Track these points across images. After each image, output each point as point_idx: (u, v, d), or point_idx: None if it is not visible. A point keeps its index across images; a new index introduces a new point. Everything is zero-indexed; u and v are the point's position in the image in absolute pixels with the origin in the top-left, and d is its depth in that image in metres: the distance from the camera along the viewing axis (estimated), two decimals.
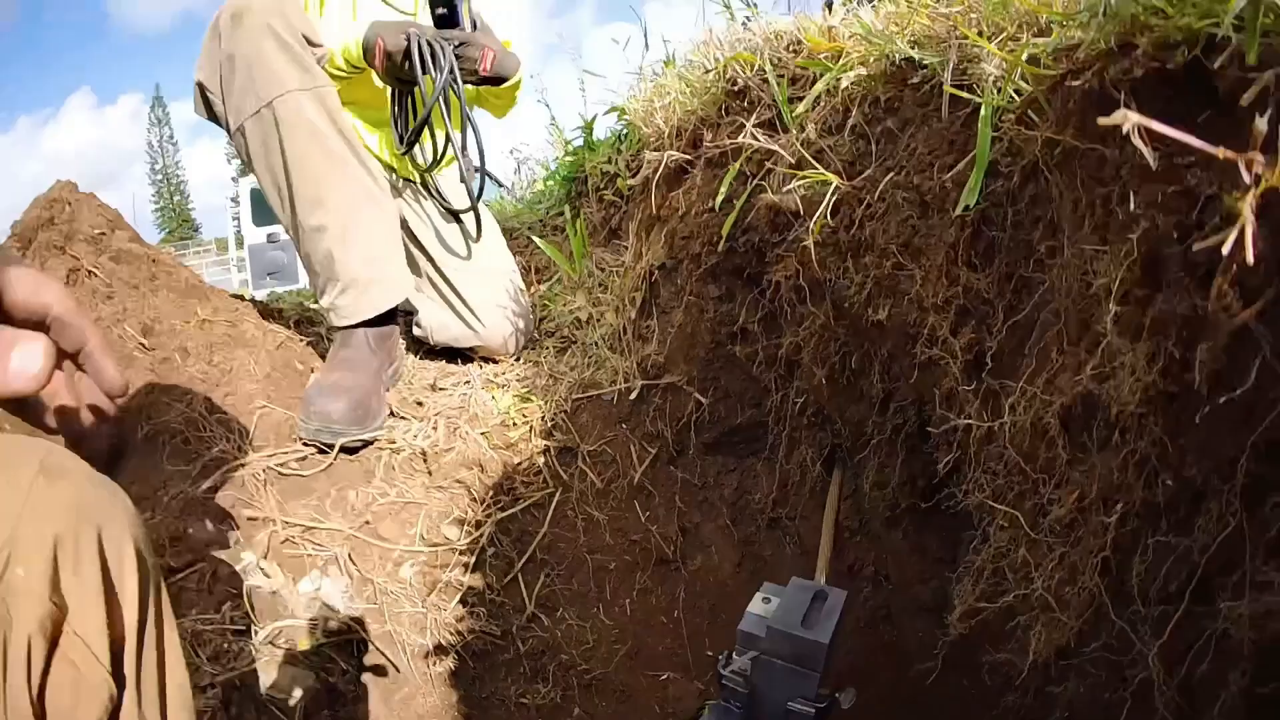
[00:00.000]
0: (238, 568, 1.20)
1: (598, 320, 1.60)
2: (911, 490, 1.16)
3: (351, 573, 1.24)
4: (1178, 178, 0.59)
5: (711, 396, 1.41)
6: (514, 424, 1.48)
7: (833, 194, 1.03)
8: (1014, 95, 0.80)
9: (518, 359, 1.69)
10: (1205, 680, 0.58)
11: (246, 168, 1.54)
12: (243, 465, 1.32)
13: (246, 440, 1.37)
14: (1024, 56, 0.77)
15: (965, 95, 0.87)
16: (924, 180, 0.96)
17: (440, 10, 1.47)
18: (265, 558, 1.23)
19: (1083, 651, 0.71)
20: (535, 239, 1.95)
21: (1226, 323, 0.53)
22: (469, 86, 1.54)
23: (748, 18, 1.57)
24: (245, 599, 1.17)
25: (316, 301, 1.66)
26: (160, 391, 1.38)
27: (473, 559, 1.30)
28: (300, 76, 1.42)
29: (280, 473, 1.33)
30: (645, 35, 1.90)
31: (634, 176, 1.62)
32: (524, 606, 1.31)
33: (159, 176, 58.92)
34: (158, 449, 1.32)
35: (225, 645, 1.12)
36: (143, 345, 1.44)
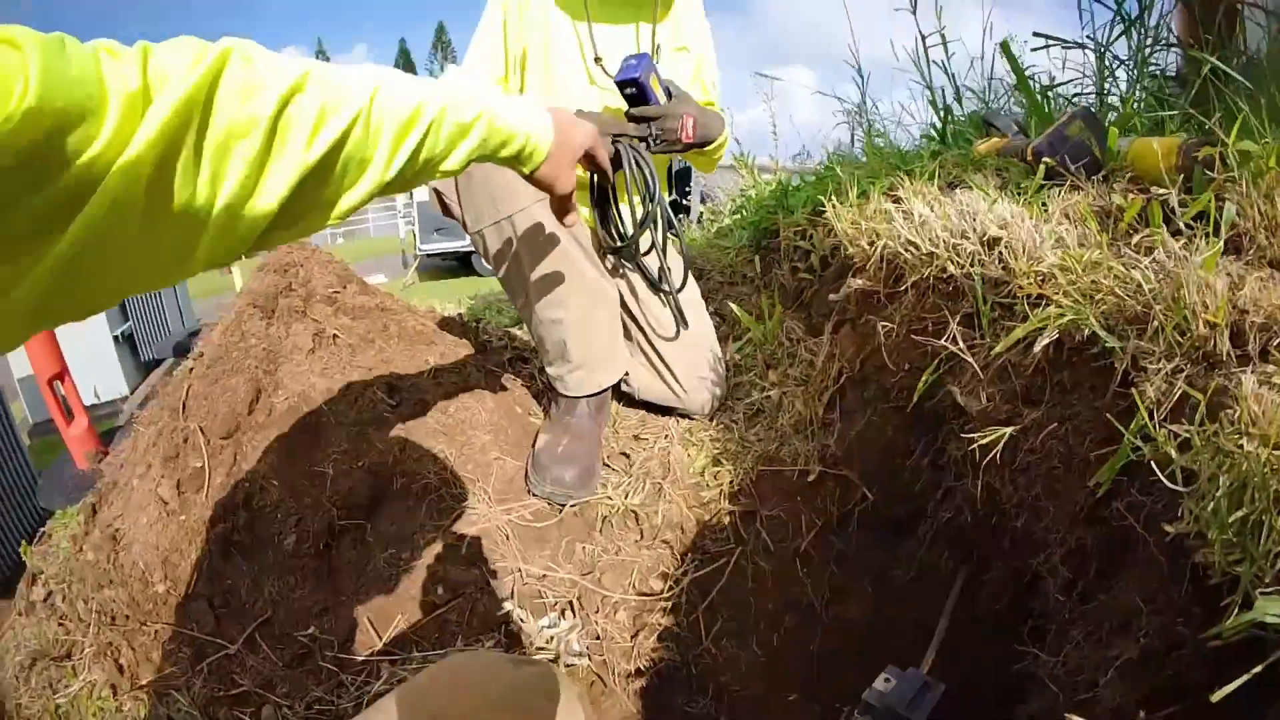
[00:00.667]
0: (495, 611, 1.98)
1: (787, 405, 2.29)
2: (1010, 630, 1.72)
3: (580, 614, 2.02)
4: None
5: (877, 493, 2.07)
6: (708, 486, 2.19)
7: (1005, 442, 1.65)
8: (1158, 426, 1.25)
9: (711, 419, 2.43)
10: None
11: (484, 259, 2.19)
12: (488, 516, 2.05)
13: (489, 492, 2.09)
14: (1176, 397, 1.25)
15: (1125, 398, 1.38)
16: (1077, 444, 1.50)
17: (630, 90, 2.01)
18: (513, 598, 2.02)
19: None
20: (731, 305, 2.61)
21: None
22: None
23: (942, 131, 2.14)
24: (501, 634, 1.98)
25: (541, 364, 2.34)
26: (410, 447, 2.09)
27: (670, 605, 2.01)
28: (534, 191, 1.96)
29: (519, 524, 2.08)
30: (857, 113, 2.49)
31: (826, 266, 2.26)
32: (700, 639, 2.01)
33: None
34: (414, 499, 2.05)
35: None
36: (389, 404, 2.15)
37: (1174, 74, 2.54)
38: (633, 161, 2.01)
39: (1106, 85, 2.56)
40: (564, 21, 2.37)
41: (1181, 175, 1.76)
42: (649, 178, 2.01)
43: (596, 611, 2.02)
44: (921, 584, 2.09)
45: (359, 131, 0.93)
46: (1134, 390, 1.30)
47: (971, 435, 1.69)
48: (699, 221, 3.79)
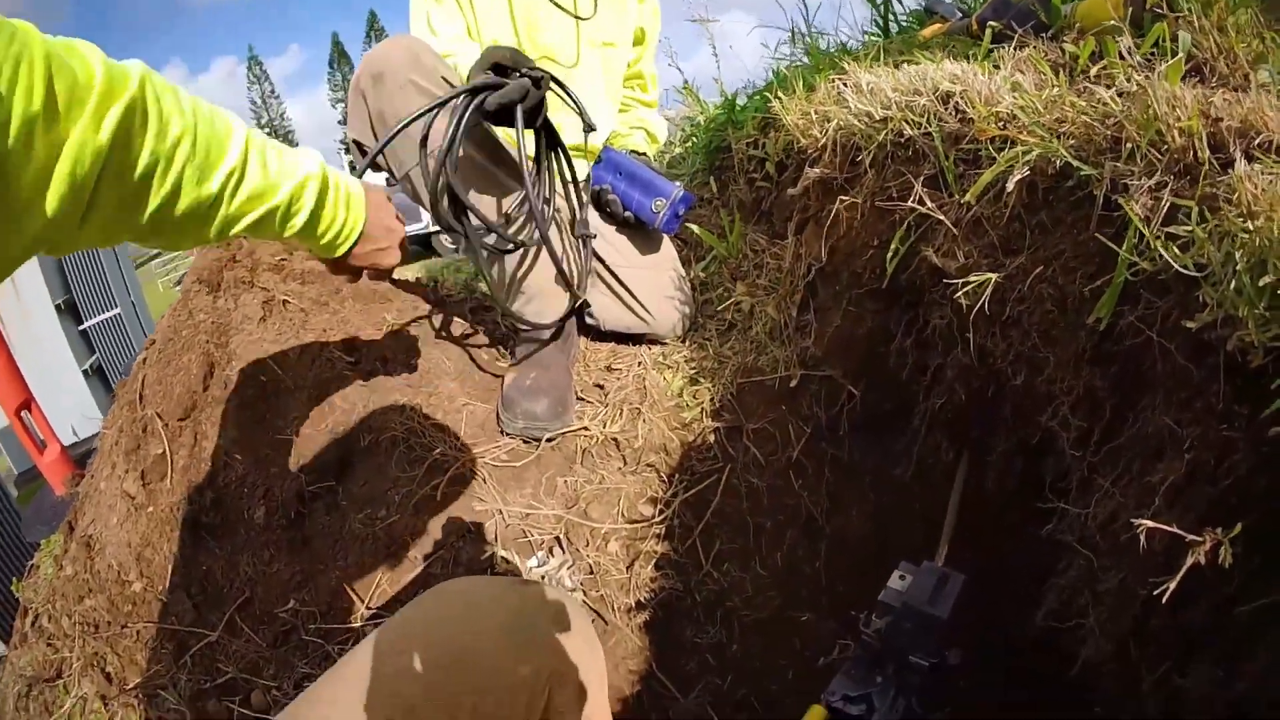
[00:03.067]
0: (479, 555, 1.80)
1: (759, 311, 2.09)
2: (1023, 504, 1.59)
3: (570, 550, 1.83)
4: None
5: (863, 389, 1.88)
6: (687, 406, 1.99)
7: (990, 289, 1.49)
8: (1155, 236, 1.13)
9: (683, 341, 2.23)
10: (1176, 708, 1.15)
11: (418, 204, 1.99)
12: (461, 462, 1.86)
13: (460, 439, 1.90)
14: (1165, 208, 1.12)
15: (1111, 224, 1.23)
16: (1067, 283, 1.35)
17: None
18: (496, 541, 1.83)
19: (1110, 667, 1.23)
20: (692, 226, 2.42)
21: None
22: None
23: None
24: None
25: (493, 301, 2.14)
26: (374, 403, 1.90)
27: (663, 529, 1.82)
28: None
29: (495, 466, 1.89)
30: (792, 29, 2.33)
31: (782, 170, 2.08)
32: (701, 565, 1.83)
33: (266, 130, 63.73)
34: (382, 455, 1.86)
35: None
36: (349, 362, 1.95)
37: None
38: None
39: None
40: None
41: (1130, 25, 1.61)
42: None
43: (586, 545, 1.83)
44: (924, 478, 1.93)
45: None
46: (1123, 208, 1.17)
47: (954, 296, 1.52)
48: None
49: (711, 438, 1.95)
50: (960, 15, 2.13)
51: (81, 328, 6.49)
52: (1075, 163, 1.29)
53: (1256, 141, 1.13)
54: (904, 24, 2.61)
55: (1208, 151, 1.13)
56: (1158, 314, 1.17)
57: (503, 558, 1.78)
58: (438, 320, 2.20)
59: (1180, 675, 1.11)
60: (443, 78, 1.83)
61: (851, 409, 1.94)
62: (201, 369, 2.03)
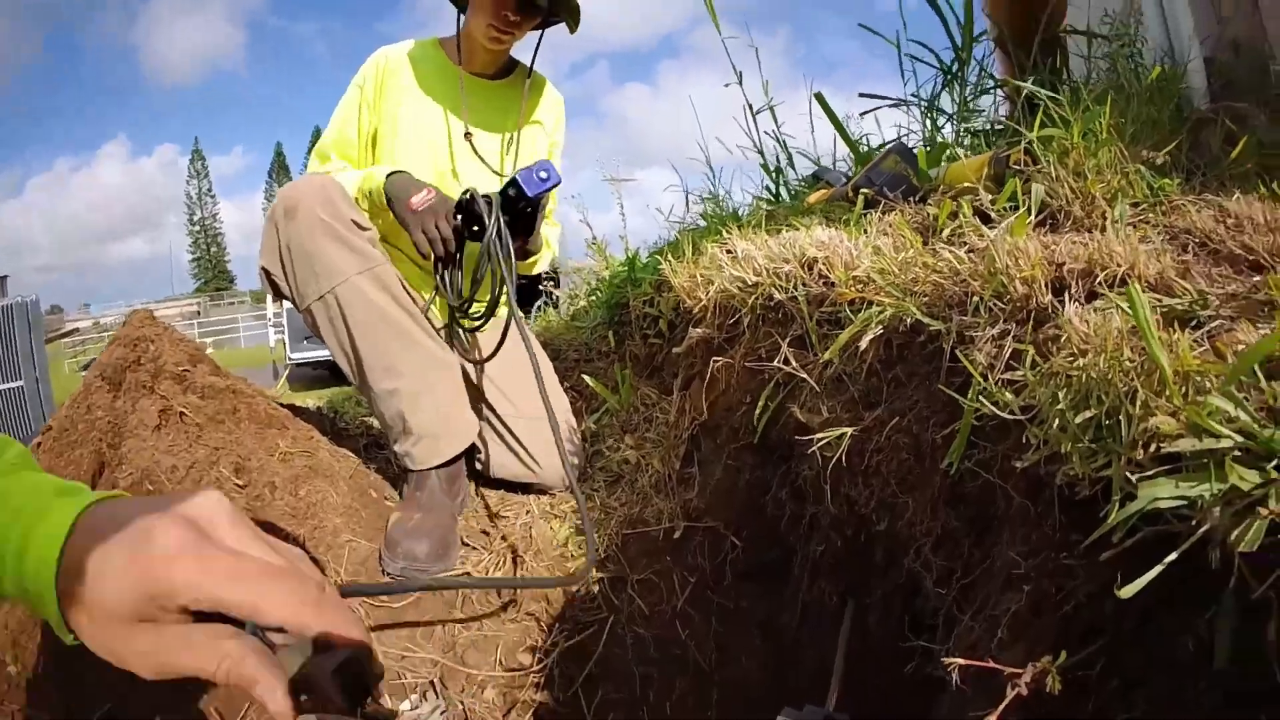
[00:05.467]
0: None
1: (645, 464, 2.05)
2: (903, 640, 1.60)
3: (445, 696, 1.73)
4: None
5: (745, 538, 1.82)
6: (572, 556, 1.92)
7: (846, 442, 1.46)
8: (994, 400, 1.11)
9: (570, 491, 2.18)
10: None
11: (317, 336, 1.99)
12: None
13: (340, 576, 1.80)
14: (1007, 356, 1.13)
15: (957, 375, 1.23)
16: (921, 431, 1.33)
17: (513, 192, 1.89)
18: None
19: None
20: (586, 378, 2.40)
21: None
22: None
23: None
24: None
25: (388, 443, 2.10)
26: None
27: (543, 679, 1.72)
28: (355, 261, 1.85)
29: (374, 606, 1.77)
30: (686, 196, 2.44)
31: (674, 328, 2.09)
32: (583, 715, 1.73)
33: (196, 228, 67.91)
34: None
35: None
36: (236, 485, 1.86)
37: (1004, 118, 2.45)
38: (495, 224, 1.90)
39: (936, 138, 2.46)
40: (432, 91, 2.28)
41: (994, 184, 1.65)
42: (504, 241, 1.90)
43: (461, 691, 1.72)
44: (810, 626, 1.83)
45: None
46: (964, 360, 1.18)
47: (816, 447, 1.51)
48: (555, 306, 3.64)
49: (596, 588, 1.87)
50: (844, 181, 2.19)
51: None
52: (925, 319, 1.31)
53: (1100, 278, 1.15)
54: (796, 190, 2.68)
55: (1049, 296, 1.17)
56: (998, 456, 1.16)
57: (373, 699, 1.66)
58: (331, 453, 2.12)
59: None
60: (352, 220, 1.86)
61: (735, 558, 1.87)
62: (92, 467, 1.95)
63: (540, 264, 2.32)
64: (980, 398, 1.14)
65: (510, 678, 1.75)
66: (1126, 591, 0.80)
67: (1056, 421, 0.99)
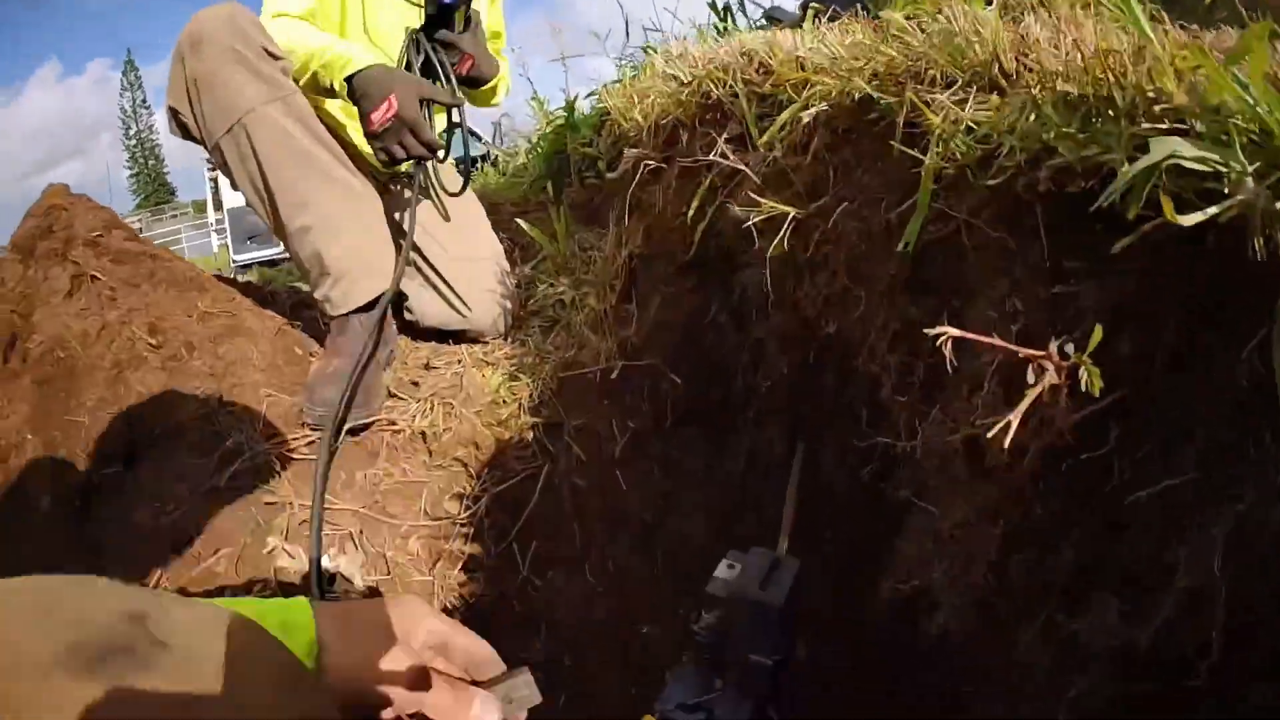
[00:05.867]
0: (263, 551, 1.54)
1: (580, 303, 1.89)
2: (859, 475, 1.47)
3: (365, 548, 1.55)
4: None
5: (686, 377, 1.69)
6: (504, 402, 1.77)
7: (790, 223, 1.32)
8: (954, 154, 1.00)
9: (506, 339, 2.02)
10: (1066, 668, 0.87)
11: (227, 179, 1.82)
12: (256, 454, 1.62)
13: (257, 429, 1.66)
14: (964, 125, 0.98)
15: (913, 146, 1.07)
16: (873, 215, 1.19)
17: (432, 10, 1.75)
18: (286, 538, 1.56)
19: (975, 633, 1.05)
20: (520, 222, 2.23)
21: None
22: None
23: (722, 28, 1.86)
24: (273, 578, 1.52)
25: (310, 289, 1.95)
26: (172, 389, 1.67)
27: (472, 530, 1.60)
28: (265, 90, 1.68)
29: (292, 458, 1.63)
30: (626, 24, 2.23)
31: (613, 167, 1.92)
32: (518, 570, 1.60)
33: (133, 142, 64.03)
34: (174, 444, 1.61)
35: None
36: (150, 345, 1.72)
37: None
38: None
39: None
40: None
41: None
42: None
43: (384, 542, 1.58)
44: (757, 473, 1.69)
45: None
46: (925, 132, 1.05)
47: (758, 245, 1.37)
48: (494, 163, 3.45)
49: (530, 435, 1.73)
50: (799, 18, 2.04)
51: None
52: (875, 94, 1.17)
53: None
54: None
55: (1014, 62, 1.02)
56: (963, 205, 1.02)
57: (288, 553, 1.51)
58: (255, 313, 1.95)
59: (1069, 616, 0.88)
60: (263, 47, 1.68)
61: (676, 399, 1.72)
62: (3, 339, 1.79)
63: (499, 93, 2.17)
64: (945, 159, 1.02)
65: (436, 527, 1.62)
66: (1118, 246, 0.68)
67: (1032, 116, 0.88)
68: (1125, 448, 0.77)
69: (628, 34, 2.72)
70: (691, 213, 1.50)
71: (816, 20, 1.59)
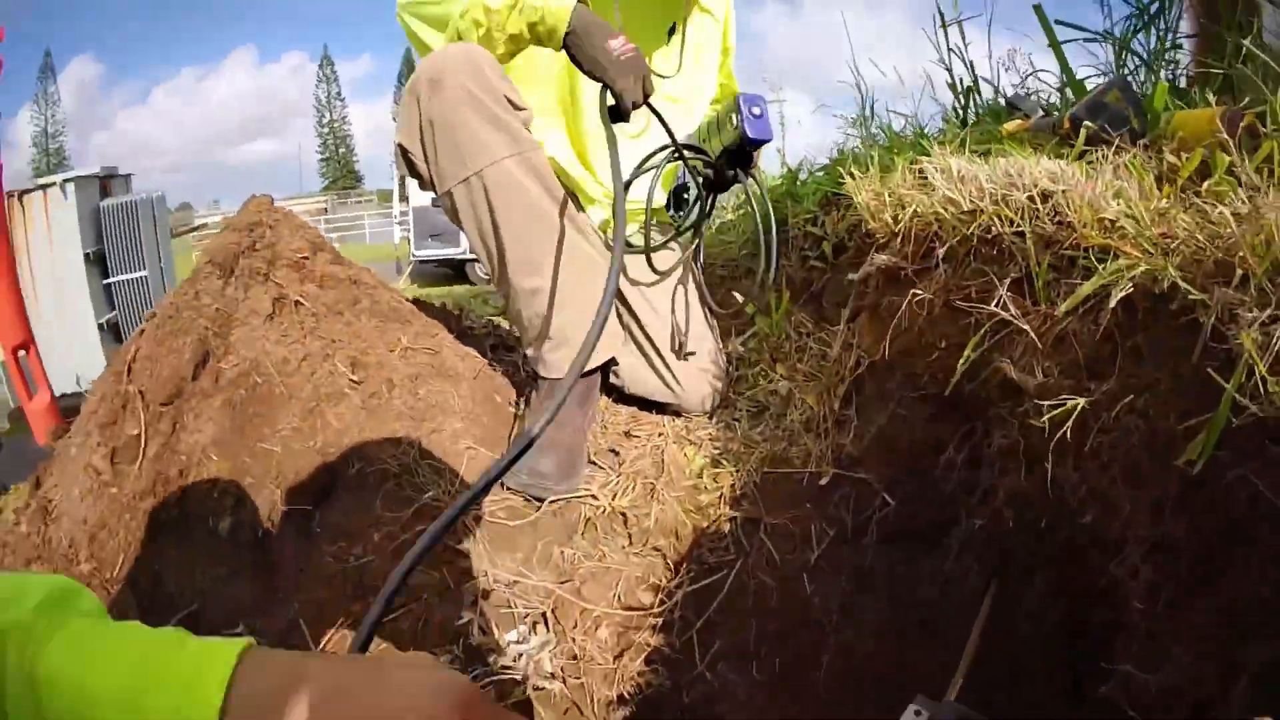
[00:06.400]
0: (455, 620, 1.56)
1: (797, 400, 1.88)
2: (1054, 650, 1.39)
3: (556, 630, 1.60)
4: None
5: (899, 499, 1.67)
6: (705, 489, 1.78)
7: (1075, 414, 1.27)
8: (1259, 393, 0.96)
9: (710, 417, 2.00)
10: None
11: (454, 223, 1.80)
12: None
13: (455, 485, 1.69)
14: (1277, 344, 0.94)
15: (1215, 354, 1.04)
16: (1159, 418, 1.15)
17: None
18: (476, 607, 1.58)
19: None
20: (736, 295, 2.22)
21: None
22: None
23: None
24: (458, 649, 1.53)
25: (521, 346, 1.96)
26: (370, 429, 1.70)
27: (660, 621, 1.61)
28: (507, 143, 1.66)
29: (490, 522, 1.66)
30: (861, 92, 2.17)
31: (840, 252, 1.88)
32: (695, 664, 1.60)
33: (325, 130, 71.41)
34: (369, 488, 1.65)
35: None
36: (352, 381, 1.77)
37: (1187, 76, 2.28)
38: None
39: (1161, 79, 2.22)
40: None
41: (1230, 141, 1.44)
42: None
43: (574, 626, 1.60)
44: (947, 602, 1.67)
45: None
46: (1229, 341, 1.01)
47: (1025, 417, 1.34)
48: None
49: (727, 527, 1.73)
50: (1042, 113, 1.96)
51: (106, 282, 6.47)
52: (1183, 284, 1.11)
53: None
54: (979, 117, 2.43)
55: None
56: (1262, 462, 0.97)
57: (479, 626, 1.53)
58: (456, 351, 1.97)
59: None
60: (505, 96, 1.64)
61: (884, 518, 1.70)
62: (195, 355, 1.85)
63: None
64: (1247, 391, 0.97)
65: (628, 617, 1.64)
66: None
67: None
68: None
69: (863, 104, 2.68)
70: (961, 361, 1.45)
71: (1088, 150, 1.55)
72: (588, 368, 1.79)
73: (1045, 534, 1.43)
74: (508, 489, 1.73)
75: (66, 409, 3.22)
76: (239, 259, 1.93)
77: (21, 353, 3.28)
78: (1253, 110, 1.46)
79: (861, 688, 1.64)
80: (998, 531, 1.53)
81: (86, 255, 6.19)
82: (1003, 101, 2.29)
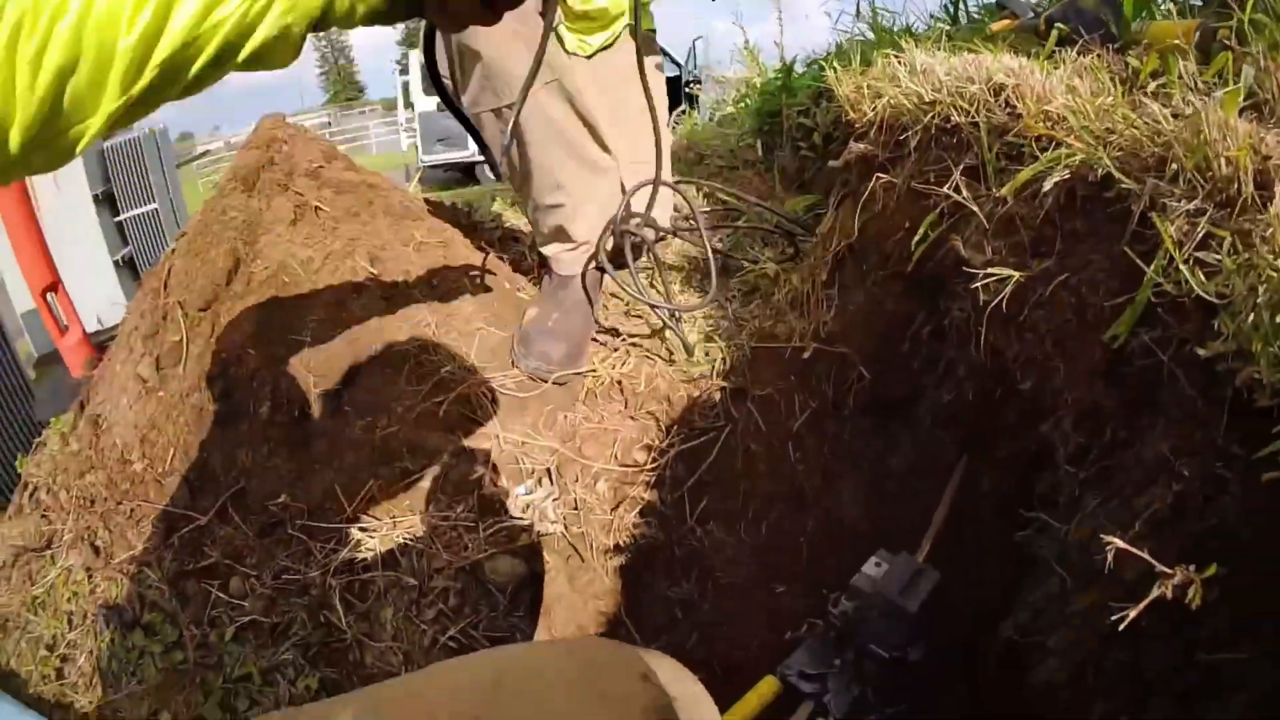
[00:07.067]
0: (469, 476, 1.76)
1: (784, 281, 2.03)
2: (1014, 515, 1.49)
3: (559, 483, 1.79)
4: None
5: (874, 371, 1.82)
6: (698, 362, 1.94)
7: (1011, 287, 1.39)
8: (1176, 281, 1.07)
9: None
10: None
11: (474, 139, 1.89)
12: (468, 384, 1.83)
13: (469, 361, 1.86)
14: (1191, 259, 1.06)
15: (1145, 241, 1.16)
16: (1090, 295, 1.27)
17: None
18: (489, 465, 1.80)
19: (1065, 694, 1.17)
20: (721, 192, 2.34)
21: None
22: None
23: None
24: (474, 500, 1.74)
25: (536, 240, 2.09)
26: (389, 315, 1.87)
27: (653, 478, 1.79)
28: (538, 72, 1.71)
29: (500, 392, 1.85)
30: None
31: (829, 142, 2.02)
32: (685, 519, 1.80)
33: (323, 41, 65.33)
34: (392, 367, 1.83)
35: (456, 537, 1.68)
36: (371, 274, 1.92)
37: None
38: None
39: None
40: None
41: (1197, 52, 1.53)
42: None
43: (575, 481, 1.81)
44: (920, 472, 1.85)
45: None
46: (1157, 228, 1.11)
47: (974, 290, 1.46)
48: (695, 103, 3.57)
49: (717, 396, 1.90)
50: (1032, 14, 2.06)
51: (118, 219, 6.52)
52: (1118, 174, 1.22)
53: None
54: (974, 16, 2.52)
55: (1251, 187, 1.07)
56: (1174, 339, 1.10)
57: (491, 481, 1.76)
58: (466, 244, 2.16)
59: (1135, 715, 1.05)
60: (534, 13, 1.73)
61: (860, 389, 1.86)
62: (227, 263, 2.02)
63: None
64: (1167, 273, 1.10)
65: (623, 473, 1.82)
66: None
67: (1251, 317, 0.94)
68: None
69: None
70: (917, 239, 1.61)
71: (1057, 51, 1.65)
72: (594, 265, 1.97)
73: (999, 405, 1.59)
74: (517, 369, 1.92)
75: (98, 344, 3.33)
76: (260, 173, 2.10)
77: (50, 295, 3.41)
78: (1227, 25, 1.51)
79: (840, 550, 1.84)
80: (962, 403, 1.69)
81: (95, 196, 6.25)
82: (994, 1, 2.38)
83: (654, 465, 1.83)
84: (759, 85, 2.79)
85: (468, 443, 1.80)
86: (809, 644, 1.48)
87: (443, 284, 2.00)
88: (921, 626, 1.40)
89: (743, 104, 2.91)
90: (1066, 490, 1.31)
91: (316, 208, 2.04)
